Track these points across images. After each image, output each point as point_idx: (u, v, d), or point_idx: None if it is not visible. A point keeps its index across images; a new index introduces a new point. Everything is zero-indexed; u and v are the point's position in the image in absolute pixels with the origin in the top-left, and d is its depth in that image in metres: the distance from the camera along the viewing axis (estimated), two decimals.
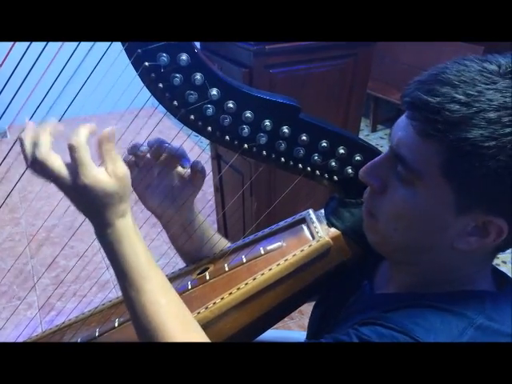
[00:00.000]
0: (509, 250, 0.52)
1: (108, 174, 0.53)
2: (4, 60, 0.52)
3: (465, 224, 0.48)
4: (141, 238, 0.57)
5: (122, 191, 0.54)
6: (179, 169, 0.73)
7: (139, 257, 0.55)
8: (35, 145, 0.52)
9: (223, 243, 0.81)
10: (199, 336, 0.56)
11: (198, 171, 0.72)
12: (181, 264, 0.82)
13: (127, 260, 0.55)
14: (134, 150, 0.70)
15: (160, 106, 0.63)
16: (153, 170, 0.73)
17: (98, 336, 0.71)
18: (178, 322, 0.55)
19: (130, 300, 0.56)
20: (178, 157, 0.71)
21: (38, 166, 0.52)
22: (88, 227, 0.56)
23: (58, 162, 0.52)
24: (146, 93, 0.62)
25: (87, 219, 0.56)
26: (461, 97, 0.44)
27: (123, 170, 0.54)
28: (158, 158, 0.72)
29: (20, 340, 0.79)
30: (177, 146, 0.71)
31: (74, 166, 0.52)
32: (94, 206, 0.54)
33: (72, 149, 0.51)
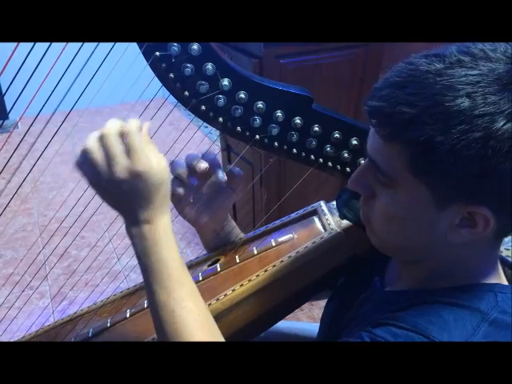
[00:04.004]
0: None
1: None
2: (14, 51, 0.52)
3: (451, 217, 0.48)
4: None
5: (168, 186, 0.54)
6: (214, 177, 0.71)
7: (176, 260, 0.54)
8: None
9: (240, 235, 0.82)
10: None
11: (235, 177, 0.71)
12: (191, 256, 0.82)
13: (164, 261, 0.53)
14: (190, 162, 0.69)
15: (170, 96, 0.62)
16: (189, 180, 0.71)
17: (110, 326, 0.71)
18: (207, 333, 0.53)
19: (158, 304, 0.53)
20: (214, 168, 0.70)
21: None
22: (99, 217, 0.55)
23: (139, 137, 0.51)
24: (157, 83, 0.61)
25: (121, 216, 0.54)
26: (407, 97, 0.44)
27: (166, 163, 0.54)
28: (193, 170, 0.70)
29: (33, 329, 0.80)
30: (212, 157, 0.70)
31: (140, 146, 0.51)
32: (145, 193, 0.52)
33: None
